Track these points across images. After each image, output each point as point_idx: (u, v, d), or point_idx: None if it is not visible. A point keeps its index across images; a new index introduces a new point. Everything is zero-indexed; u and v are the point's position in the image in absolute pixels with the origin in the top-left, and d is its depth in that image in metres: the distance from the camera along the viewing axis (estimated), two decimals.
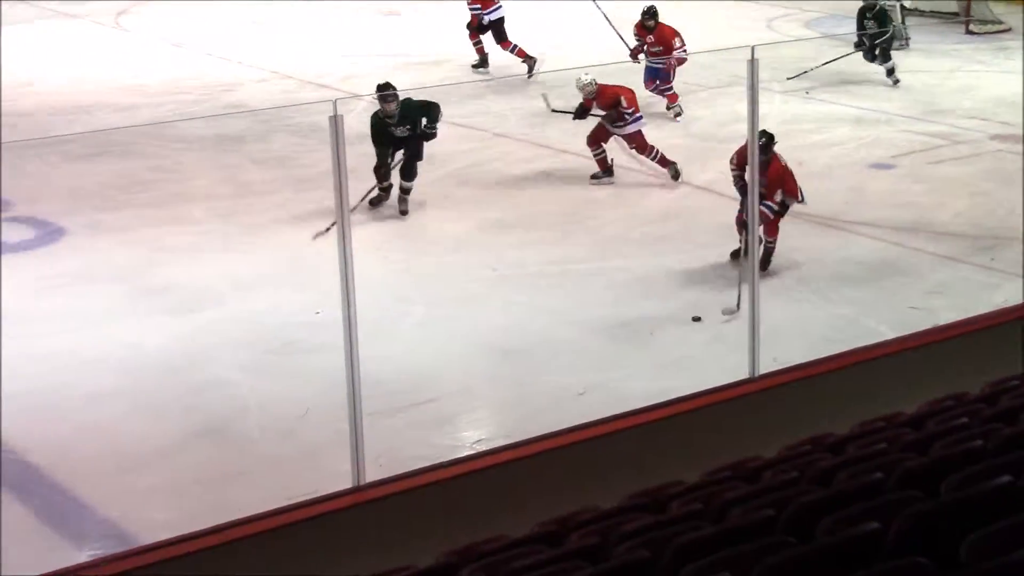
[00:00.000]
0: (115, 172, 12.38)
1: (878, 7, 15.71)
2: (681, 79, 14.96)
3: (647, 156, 11.99)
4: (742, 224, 9.47)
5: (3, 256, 10.38)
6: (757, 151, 7.51)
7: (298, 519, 6.09)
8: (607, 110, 11.93)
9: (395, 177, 11.18)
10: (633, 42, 14.64)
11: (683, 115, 14.10)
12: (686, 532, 4.36)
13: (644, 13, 14.45)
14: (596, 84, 11.96)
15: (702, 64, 15.19)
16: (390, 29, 19.36)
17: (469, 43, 16.54)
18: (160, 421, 7.67)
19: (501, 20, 16.39)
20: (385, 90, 10.78)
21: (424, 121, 10.93)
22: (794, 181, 9.68)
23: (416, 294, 9.51)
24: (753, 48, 7.01)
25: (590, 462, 6.71)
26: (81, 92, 15.64)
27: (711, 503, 4.84)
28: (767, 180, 9.34)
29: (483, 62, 16.60)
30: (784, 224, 9.82)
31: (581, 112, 12.11)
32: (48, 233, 10.83)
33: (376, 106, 11.00)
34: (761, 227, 9.24)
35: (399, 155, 11.15)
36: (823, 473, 4.95)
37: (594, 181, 11.98)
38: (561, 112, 12.43)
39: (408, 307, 9.24)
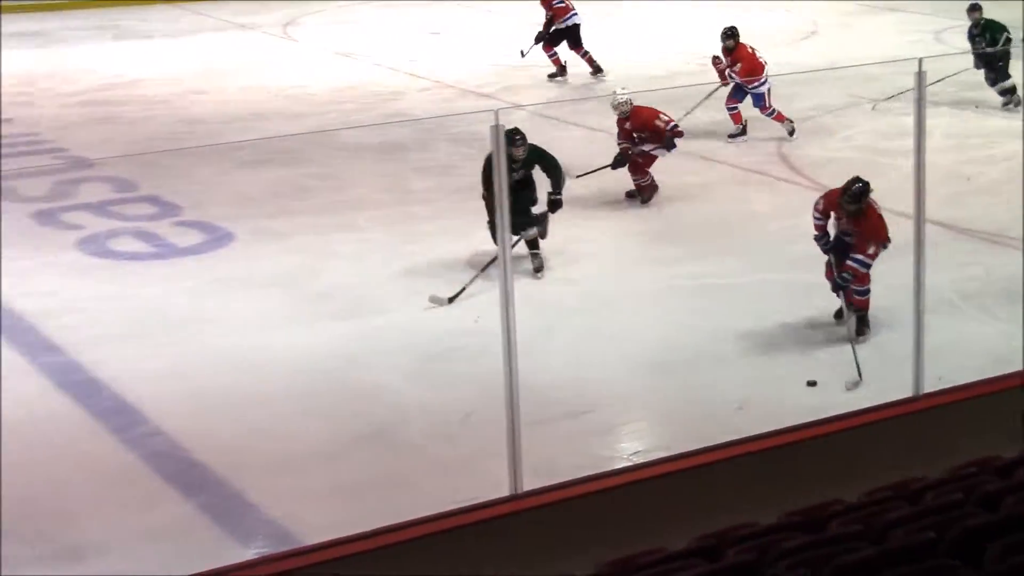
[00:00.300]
0: (282, 179, 12.68)
1: (983, 21, 14.94)
2: (846, 91, 14.76)
3: (638, 179, 11.72)
4: (836, 283, 8.74)
5: (175, 259, 10.76)
6: (924, 168, 7.28)
7: (456, 525, 6.17)
8: (640, 131, 11.60)
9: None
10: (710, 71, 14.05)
11: (795, 131, 13.65)
12: (846, 552, 4.32)
13: (722, 34, 13.85)
14: (631, 104, 11.60)
15: (868, 75, 14.98)
16: None
17: (582, 55, 16.70)
18: (324, 424, 7.83)
19: (576, 27, 16.54)
20: (515, 135, 9.83)
21: (549, 184, 10.16)
22: (886, 226, 8.72)
23: (573, 305, 9.55)
24: (920, 60, 6.89)
25: (748, 477, 6.67)
26: (251, 101, 16.08)
27: (872, 523, 4.78)
28: (860, 233, 8.63)
29: (562, 71, 16.73)
30: (950, 240, 9.59)
31: (620, 161, 11.68)
32: (217, 238, 11.13)
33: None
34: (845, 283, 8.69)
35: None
36: (989, 496, 4.86)
37: (628, 199, 11.77)
38: (593, 172, 11.83)
39: (565, 318, 9.28)
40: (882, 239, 8.65)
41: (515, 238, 9.60)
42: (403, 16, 21.68)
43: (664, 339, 8.92)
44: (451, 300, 9.35)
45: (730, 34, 13.79)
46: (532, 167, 10.13)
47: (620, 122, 11.73)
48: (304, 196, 12.22)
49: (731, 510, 5.74)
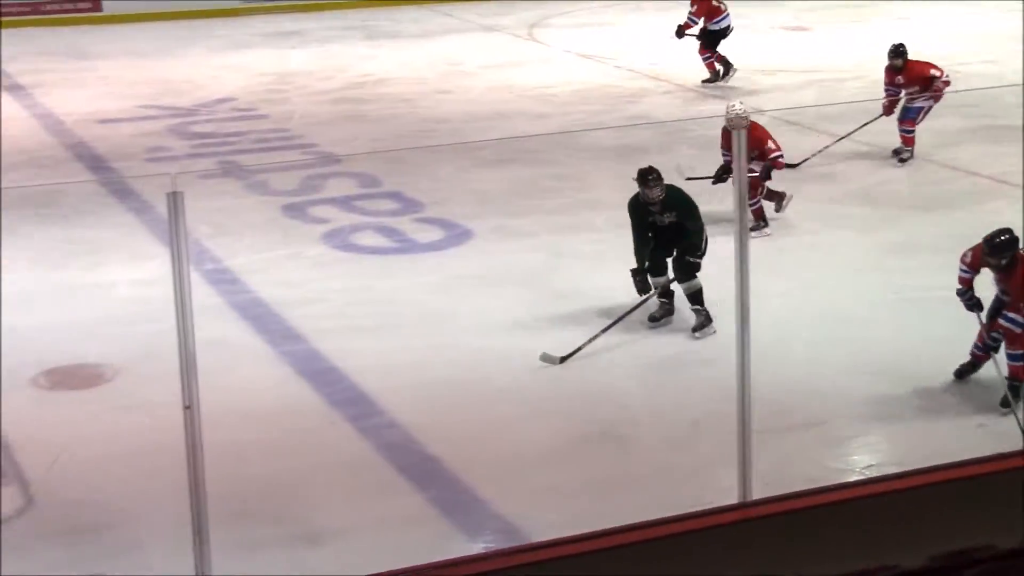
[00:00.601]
0: (522, 178, 12.81)
1: None
2: None
3: (750, 200, 10.80)
4: (987, 346, 7.96)
5: (415, 255, 10.99)
6: None
7: (683, 530, 6.11)
8: (751, 149, 10.66)
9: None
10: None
11: (910, 160, 12.85)
12: None
13: (890, 52, 12.95)
14: (748, 121, 10.64)
15: None
16: (799, 44, 19.19)
17: (719, 57, 16.46)
18: (554, 423, 7.89)
19: (726, 30, 16.22)
20: (648, 175, 9.13)
21: (691, 243, 9.18)
22: None
23: (811, 314, 9.39)
24: None
25: (988, 497, 6.43)
26: (495, 101, 16.32)
27: None
28: (1011, 290, 7.83)
29: (715, 76, 16.42)
30: None
31: (721, 177, 11.00)
32: (456, 235, 11.33)
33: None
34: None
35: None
36: None
37: (755, 234, 10.67)
38: (697, 179, 10.96)
39: (802, 327, 9.13)
40: None
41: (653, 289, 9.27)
42: (646, 19, 21.66)
43: (900, 351, 8.69)
44: (563, 360, 8.70)
45: (899, 52, 12.93)
46: (678, 210, 9.21)
47: (728, 137, 10.89)
48: (544, 196, 12.33)
49: (968, 531, 5.56)
